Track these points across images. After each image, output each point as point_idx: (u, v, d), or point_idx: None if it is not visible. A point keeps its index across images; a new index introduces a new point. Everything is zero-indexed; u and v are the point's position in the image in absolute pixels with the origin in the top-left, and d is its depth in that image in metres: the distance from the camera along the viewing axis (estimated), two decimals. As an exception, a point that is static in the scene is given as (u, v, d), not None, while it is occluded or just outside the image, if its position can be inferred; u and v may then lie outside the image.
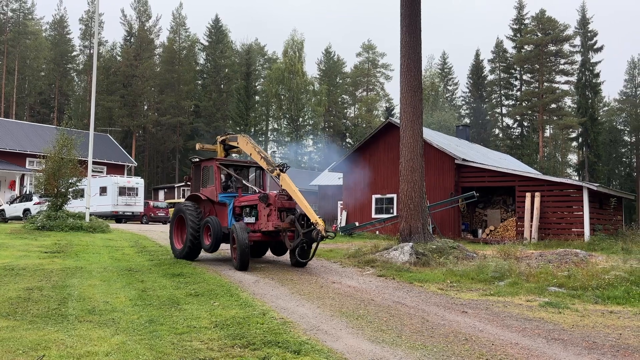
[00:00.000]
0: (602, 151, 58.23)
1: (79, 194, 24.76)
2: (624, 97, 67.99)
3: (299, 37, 66.44)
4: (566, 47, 61.07)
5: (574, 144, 64.70)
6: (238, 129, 62.07)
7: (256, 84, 70.63)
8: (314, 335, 6.14)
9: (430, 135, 26.65)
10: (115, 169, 42.34)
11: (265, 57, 78.59)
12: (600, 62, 59.46)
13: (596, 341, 6.24)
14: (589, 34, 58.93)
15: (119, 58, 67.42)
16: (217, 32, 69.69)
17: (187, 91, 66.41)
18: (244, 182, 13.16)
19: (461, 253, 13.76)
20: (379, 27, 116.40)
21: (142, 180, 36.29)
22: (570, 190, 22.36)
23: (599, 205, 23.57)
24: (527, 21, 63.60)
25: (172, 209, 39.85)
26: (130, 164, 45.38)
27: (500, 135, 67.88)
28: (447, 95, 74.52)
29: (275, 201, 11.60)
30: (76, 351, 5.25)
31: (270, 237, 12.16)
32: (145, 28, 67.81)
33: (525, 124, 64.96)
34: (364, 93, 77.07)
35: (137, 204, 34.50)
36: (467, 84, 70.28)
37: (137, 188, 34.55)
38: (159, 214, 36.80)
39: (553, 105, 60.43)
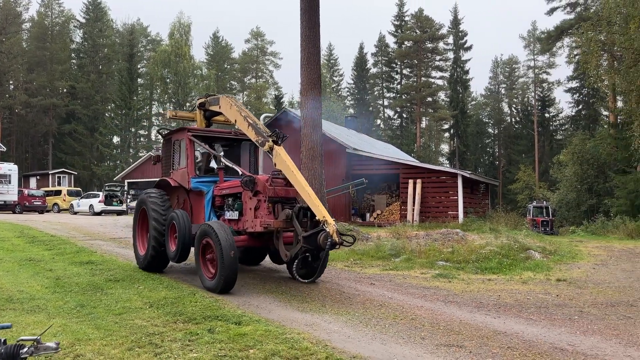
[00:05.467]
0: (470, 142, 64.10)
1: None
2: (489, 93, 75.25)
3: (185, 19, 64.61)
4: (441, 45, 66.14)
5: (446, 134, 70.51)
6: (120, 112, 59.10)
7: (139, 66, 67.45)
8: (248, 309, 6.72)
9: (324, 125, 27.84)
10: (-20, 154, 38.46)
11: (149, 38, 75.29)
12: (469, 60, 65.32)
13: (482, 302, 7.57)
14: (460, 34, 64.22)
15: (-22, 31, 60.56)
16: (95, 9, 65.23)
17: (61, 71, 61.51)
18: (223, 160, 9.38)
19: (357, 235, 14.98)
20: (267, 14, 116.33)
21: (16, 167, 33.50)
22: (447, 177, 24.87)
23: (470, 190, 26.45)
24: (407, 18, 67.66)
25: (50, 198, 37.70)
26: (-2, 149, 41.43)
27: (382, 125, 71.81)
28: (333, 86, 77.02)
29: (266, 188, 7.96)
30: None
31: (261, 241, 8.52)
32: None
33: (405, 115, 69.39)
34: (253, 80, 77.07)
35: (10, 192, 31.88)
36: (352, 75, 73.23)
37: (9, 175, 31.91)
38: (35, 203, 34.25)
39: (429, 99, 65.28)
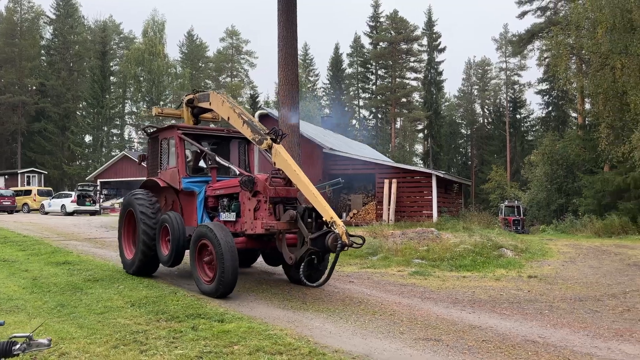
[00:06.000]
0: (443, 142, 64.98)
1: None
2: (462, 94, 76.49)
3: (160, 17, 63.93)
4: (415, 46, 66.99)
5: (420, 135, 71.35)
6: (92, 110, 58.14)
7: (112, 64, 66.41)
8: (230, 307, 6.81)
9: (301, 125, 27.96)
10: (-54, 152, 37.40)
11: (121, 35, 74.26)
12: (443, 61, 66.19)
13: (457, 298, 7.81)
14: (434, 35, 65.05)
15: (-57, 26, 58.84)
16: (66, 5, 64.02)
17: (30, 68, 60.14)
18: (217, 159, 8.76)
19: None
20: (243, 13, 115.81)
21: (-16, 165, 32.69)
22: (421, 177, 25.25)
23: (444, 190, 26.90)
24: (382, 19, 68.25)
25: (19, 198, 36.82)
26: (-36, 147, 40.34)
27: (357, 125, 72.31)
28: (309, 85, 77.16)
29: (266, 188, 7.67)
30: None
31: (259, 243, 8.25)
32: (-22, -7, 59.95)
33: (380, 116, 70.01)
34: (228, 79, 76.69)
35: (-22, 192, 31.13)
36: (327, 75, 73.50)
37: (-23, 174, 31.16)
38: (4, 203, 33.53)
39: (404, 100, 66.01)
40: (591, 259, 12.64)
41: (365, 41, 70.31)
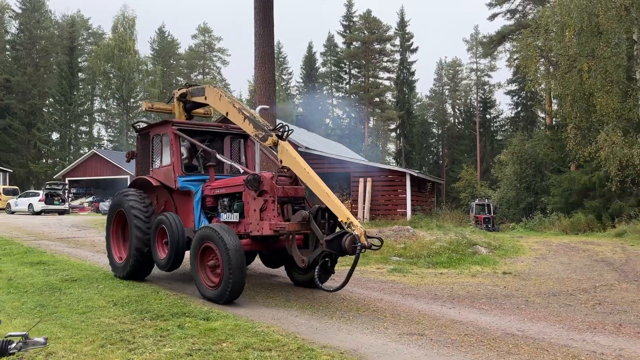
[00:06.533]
0: (415, 141, 65.77)
1: None
2: (433, 94, 77.50)
3: (130, 13, 62.85)
4: (388, 46, 67.55)
5: (393, 134, 72.06)
6: (60, 107, 56.78)
7: (80, 60, 64.96)
8: (214, 305, 6.81)
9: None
10: None
11: (90, 31, 72.69)
12: (415, 61, 66.91)
13: (437, 294, 8.00)
14: (406, 36, 65.73)
15: None
16: (33, -2, 62.42)
17: (-6, 63, 58.55)
18: (218, 156, 8.38)
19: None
20: (216, 10, 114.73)
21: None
22: (395, 176, 25.57)
23: (418, 189, 27.30)
24: (355, 19, 68.61)
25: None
26: None
27: (331, 124, 72.54)
28: (282, 84, 77.01)
29: (273, 187, 7.23)
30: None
31: (263, 245, 7.93)
32: (-61, -15, 57.87)
33: (353, 115, 70.40)
34: (200, 76, 75.93)
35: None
36: (301, 74, 73.50)
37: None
38: (-34, 203, 32.61)
39: (377, 99, 66.52)
40: (561, 256, 13.06)
41: (339, 40, 70.70)
